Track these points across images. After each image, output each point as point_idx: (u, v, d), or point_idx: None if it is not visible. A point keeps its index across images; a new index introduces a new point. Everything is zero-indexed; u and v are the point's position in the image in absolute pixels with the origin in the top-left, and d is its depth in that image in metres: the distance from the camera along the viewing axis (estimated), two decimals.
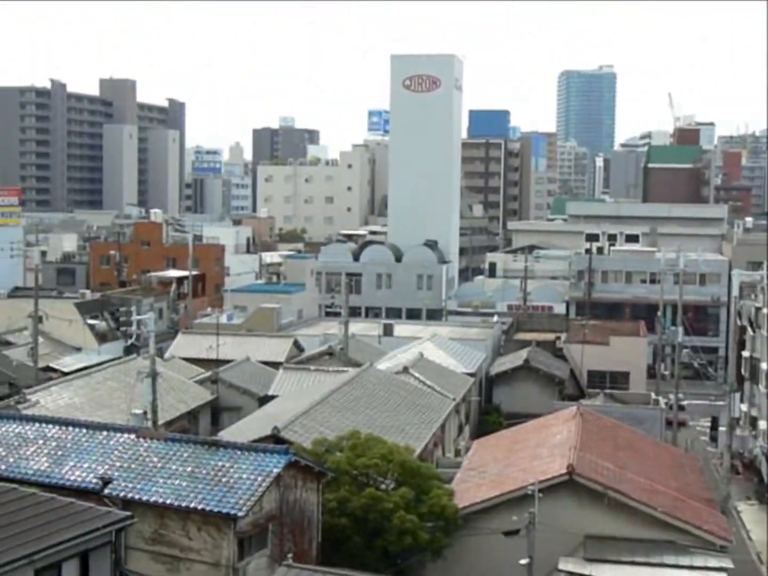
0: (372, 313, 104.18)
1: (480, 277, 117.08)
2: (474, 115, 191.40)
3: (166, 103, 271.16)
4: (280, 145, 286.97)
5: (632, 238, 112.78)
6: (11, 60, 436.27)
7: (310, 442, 34.53)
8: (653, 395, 64.36)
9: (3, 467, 28.42)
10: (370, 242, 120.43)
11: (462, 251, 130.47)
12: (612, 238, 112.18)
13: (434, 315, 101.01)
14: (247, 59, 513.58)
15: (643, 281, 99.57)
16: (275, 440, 34.06)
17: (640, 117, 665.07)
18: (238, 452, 28.45)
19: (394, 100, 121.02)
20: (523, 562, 29.90)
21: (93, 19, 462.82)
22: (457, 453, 49.40)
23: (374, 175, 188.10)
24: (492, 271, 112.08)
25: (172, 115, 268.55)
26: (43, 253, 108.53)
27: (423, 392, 49.15)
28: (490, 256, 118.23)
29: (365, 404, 43.76)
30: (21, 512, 18.69)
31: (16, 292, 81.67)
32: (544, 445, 38.17)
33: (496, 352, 74.16)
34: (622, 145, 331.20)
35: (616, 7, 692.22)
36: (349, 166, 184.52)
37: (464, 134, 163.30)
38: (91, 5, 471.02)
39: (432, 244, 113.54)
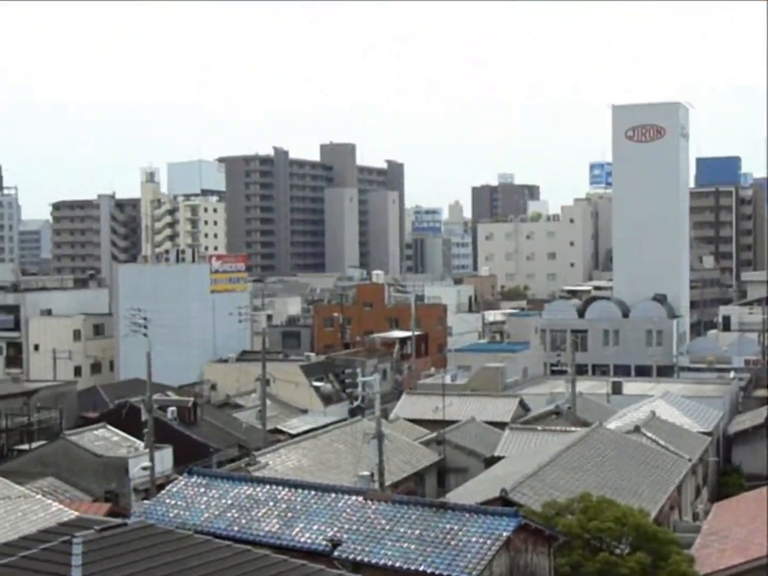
0: (599, 370, 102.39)
1: (713, 331, 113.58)
2: (702, 162, 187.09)
3: (385, 165, 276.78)
4: (500, 201, 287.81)
5: None
6: (238, 131, 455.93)
7: (540, 504, 34.02)
8: None
9: (236, 528, 29.23)
10: (596, 298, 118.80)
11: (693, 305, 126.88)
12: None
13: (665, 372, 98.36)
14: (460, 120, 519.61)
15: None
16: (503, 502, 33.72)
17: None
18: (467, 515, 28.26)
19: (617, 152, 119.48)
20: None
21: (312, 88, 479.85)
22: (695, 517, 47.66)
23: (597, 229, 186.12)
24: (726, 325, 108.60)
25: (391, 176, 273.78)
26: (269, 317, 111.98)
27: (656, 452, 47.77)
28: (724, 309, 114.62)
29: (595, 465, 42.86)
30: (255, 573, 19.10)
31: (244, 356, 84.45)
32: None
33: (733, 410, 71.46)
34: None
35: None
36: (571, 220, 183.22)
37: (692, 183, 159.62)
38: (308, 74, 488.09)
39: (661, 298, 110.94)
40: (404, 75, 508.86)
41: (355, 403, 55.28)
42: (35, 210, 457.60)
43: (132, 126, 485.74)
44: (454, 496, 38.79)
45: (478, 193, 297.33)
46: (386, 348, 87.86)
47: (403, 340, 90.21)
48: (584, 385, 70.83)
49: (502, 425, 57.96)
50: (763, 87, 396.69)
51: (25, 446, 56.15)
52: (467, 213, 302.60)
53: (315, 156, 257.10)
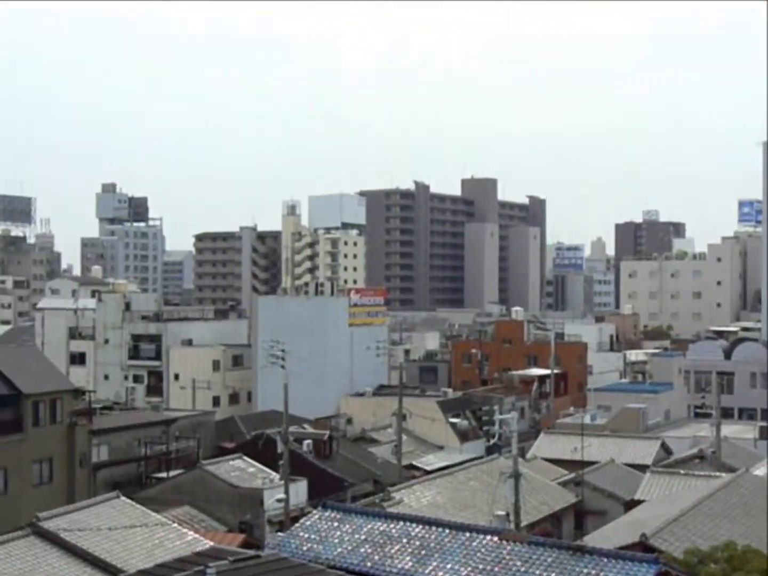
0: (746, 414, 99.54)
1: None
2: None
3: (526, 201, 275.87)
4: (644, 239, 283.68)
5: None
6: (379, 165, 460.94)
7: (682, 551, 33.12)
8: None
9: (369, 564, 29.16)
10: (743, 339, 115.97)
11: None
12: None
13: None
14: (604, 156, 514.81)
15: None
16: (643, 548, 32.95)
17: None
18: (605, 559, 27.63)
19: None
20: None
21: (453, 123, 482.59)
22: None
23: (746, 269, 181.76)
24: None
25: (532, 212, 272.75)
26: (407, 352, 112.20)
27: None
28: None
29: (741, 513, 41.56)
30: None
31: (381, 390, 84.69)
32: None
33: None
34: None
35: None
36: (719, 259, 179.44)
37: None
38: (450, 108, 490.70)
39: None
40: (547, 111, 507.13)
41: (492, 441, 54.85)
42: (179, 241, 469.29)
43: (274, 160, 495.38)
44: (591, 540, 38.08)
45: (621, 229, 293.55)
46: (524, 386, 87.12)
47: (541, 378, 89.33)
48: (730, 429, 68.97)
49: (642, 468, 56.89)
50: None
51: (163, 474, 57.26)
52: (610, 250, 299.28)
53: (456, 190, 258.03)
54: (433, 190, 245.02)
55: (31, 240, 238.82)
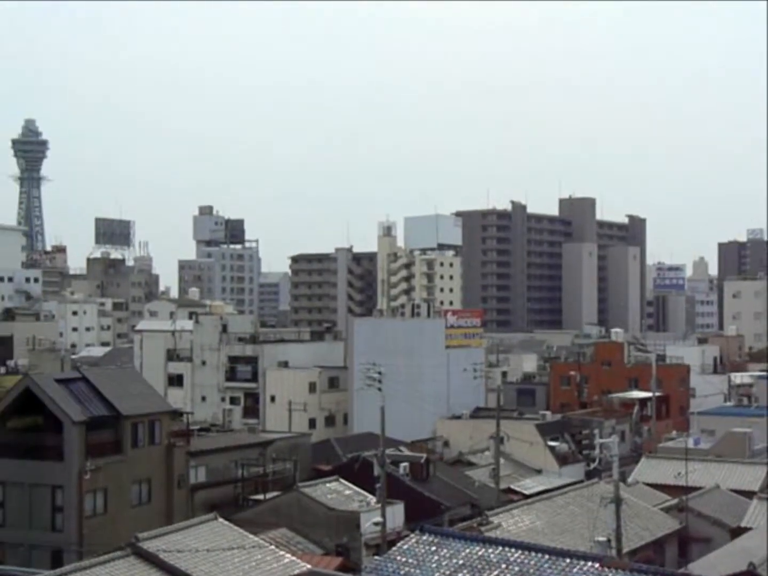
0: None
1: None
2: None
3: (626, 220, 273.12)
4: (749, 258, 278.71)
5: None
6: (475, 186, 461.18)
7: None
8: None
9: None
10: None
11: None
12: None
13: None
14: (705, 175, 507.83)
15: None
16: None
17: None
18: None
19: None
20: None
21: (550, 142, 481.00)
22: None
23: None
24: None
25: (632, 232, 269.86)
26: (504, 374, 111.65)
27: None
28: None
29: None
30: None
31: (478, 413, 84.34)
32: None
33: None
34: None
35: None
36: None
37: None
38: (544, 129, 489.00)
39: None
40: (647, 131, 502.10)
41: (592, 465, 54.30)
42: (275, 263, 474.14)
43: (370, 180, 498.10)
44: (696, 568, 37.44)
45: (724, 249, 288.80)
46: (625, 409, 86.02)
47: (643, 401, 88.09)
48: None
49: (749, 494, 55.67)
50: None
51: (260, 496, 57.69)
52: (713, 270, 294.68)
53: (553, 210, 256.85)
54: (531, 210, 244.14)
55: (130, 263, 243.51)
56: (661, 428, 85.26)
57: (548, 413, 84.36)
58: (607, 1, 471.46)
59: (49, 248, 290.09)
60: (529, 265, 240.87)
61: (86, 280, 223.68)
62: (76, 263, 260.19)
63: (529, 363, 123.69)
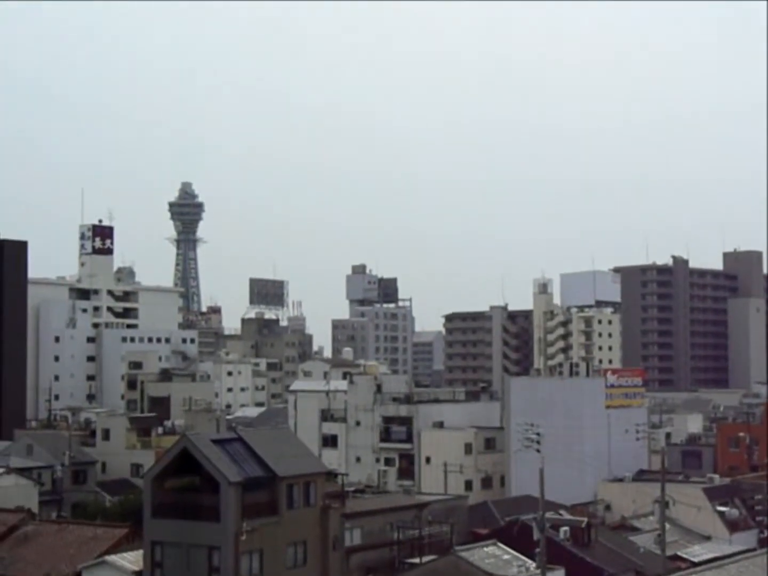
0: None
1: None
2: None
3: None
4: None
5: None
6: (633, 241, 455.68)
7: None
8: None
9: None
10: None
11: None
12: None
13: None
14: None
15: None
16: None
17: None
18: None
19: None
20: None
21: (715, 191, 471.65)
22: None
23: None
24: None
25: None
26: (668, 435, 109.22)
27: None
28: None
29: None
30: None
31: (641, 476, 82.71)
32: None
33: None
34: None
35: None
36: None
37: None
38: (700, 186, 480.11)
39: None
40: None
41: (766, 532, 52.50)
42: (428, 321, 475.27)
43: (522, 238, 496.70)
44: None
45: None
46: None
47: None
48: None
49: None
50: None
51: (416, 560, 57.45)
52: None
53: (717, 264, 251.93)
54: (693, 264, 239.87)
55: (284, 322, 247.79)
56: None
57: (716, 476, 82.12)
58: None
59: (204, 309, 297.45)
60: (692, 321, 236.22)
61: (241, 341, 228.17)
62: (231, 323, 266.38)
63: (695, 423, 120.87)
